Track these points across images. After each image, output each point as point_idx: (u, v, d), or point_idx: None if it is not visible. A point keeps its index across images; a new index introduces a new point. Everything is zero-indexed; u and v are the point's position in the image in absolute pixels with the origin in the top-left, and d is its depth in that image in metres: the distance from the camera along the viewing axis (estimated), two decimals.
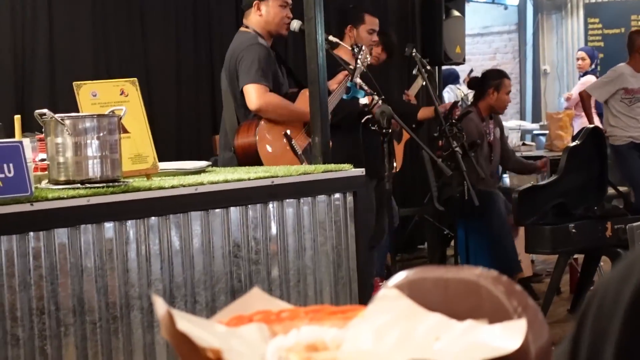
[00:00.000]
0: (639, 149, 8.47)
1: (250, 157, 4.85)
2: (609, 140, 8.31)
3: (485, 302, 1.35)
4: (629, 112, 8.41)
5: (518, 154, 8.96)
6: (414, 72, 6.36)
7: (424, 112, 6.65)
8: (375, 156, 5.30)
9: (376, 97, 5.32)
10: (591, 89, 8.63)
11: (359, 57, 5.41)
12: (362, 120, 5.47)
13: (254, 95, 4.92)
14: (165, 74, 6.71)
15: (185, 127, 6.80)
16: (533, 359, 1.26)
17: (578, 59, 11.41)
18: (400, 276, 1.51)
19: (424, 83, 6.36)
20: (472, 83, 7.54)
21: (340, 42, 5.47)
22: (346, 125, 5.66)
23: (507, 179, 9.54)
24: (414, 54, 6.31)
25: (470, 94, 7.64)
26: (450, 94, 10.81)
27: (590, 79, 10.64)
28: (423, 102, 8.45)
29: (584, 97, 8.63)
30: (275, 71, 5.10)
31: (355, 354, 1.22)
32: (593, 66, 10.92)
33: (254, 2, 5.17)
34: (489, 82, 7.18)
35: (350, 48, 5.48)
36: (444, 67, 9.45)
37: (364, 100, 5.41)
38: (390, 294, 1.40)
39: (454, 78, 11.26)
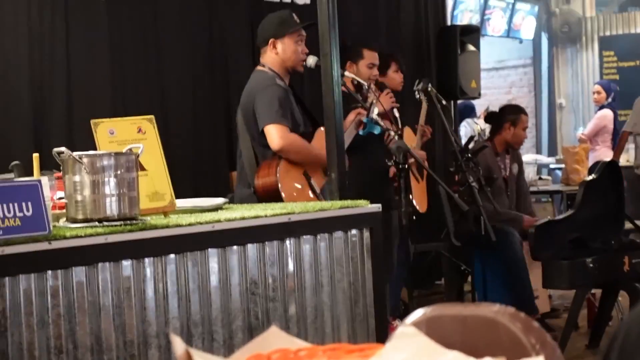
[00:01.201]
0: None
1: (271, 196, 4.86)
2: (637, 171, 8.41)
3: (503, 338, 1.35)
4: None
5: (534, 188, 8.96)
6: (416, 96, 6.43)
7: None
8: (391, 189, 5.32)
9: (392, 133, 5.34)
10: (630, 126, 8.64)
11: (369, 94, 5.46)
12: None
13: (276, 135, 4.93)
14: (182, 110, 6.74)
15: (202, 163, 6.82)
16: None
17: (594, 92, 11.41)
18: (418, 313, 1.52)
19: (427, 105, 6.45)
20: (489, 117, 7.55)
21: (355, 77, 5.50)
22: (367, 157, 5.73)
23: None
24: (429, 89, 6.34)
25: (487, 128, 7.65)
26: (467, 128, 10.81)
27: (606, 112, 10.66)
28: (439, 135, 8.46)
29: (623, 136, 8.65)
30: (293, 111, 5.12)
31: None
32: (609, 99, 10.91)
33: (270, 40, 5.20)
34: (506, 117, 7.18)
35: (364, 84, 5.51)
36: (459, 101, 9.50)
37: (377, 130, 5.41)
38: (408, 332, 1.40)
39: (469, 111, 11.26)
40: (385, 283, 5.76)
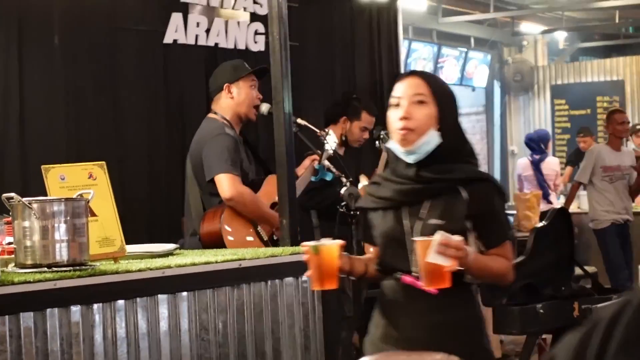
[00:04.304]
0: (620, 230, 8.65)
1: (216, 244, 4.86)
2: (591, 224, 8.58)
3: None
4: (610, 189, 8.64)
5: None
6: (376, 144, 6.46)
7: None
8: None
9: (344, 179, 5.37)
10: (581, 178, 8.85)
11: (327, 141, 5.49)
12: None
13: (227, 184, 4.94)
14: (136, 156, 6.73)
15: (156, 209, 6.81)
16: None
17: None
18: None
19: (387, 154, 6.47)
20: None
21: (308, 125, 5.53)
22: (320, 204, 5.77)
23: None
24: (381, 135, 6.40)
25: None
26: None
27: (519, 161, 11.12)
28: None
29: (574, 186, 8.92)
30: (242, 160, 5.13)
31: None
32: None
33: (224, 86, 5.23)
34: None
35: (318, 132, 5.54)
36: None
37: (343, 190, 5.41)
38: None
39: None
40: (339, 329, 5.78)
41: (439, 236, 2.82)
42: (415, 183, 3.06)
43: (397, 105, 3.08)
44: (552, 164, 10.54)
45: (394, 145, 3.10)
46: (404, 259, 3.05)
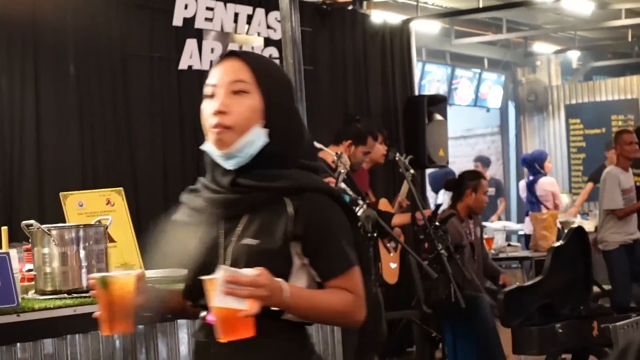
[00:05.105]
0: (629, 250, 8.50)
1: None
2: (600, 245, 8.35)
3: None
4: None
5: (503, 255, 9.01)
6: (400, 170, 6.49)
7: (400, 219, 6.72)
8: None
9: (360, 202, 5.38)
10: (616, 204, 8.47)
11: (340, 163, 5.51)
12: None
13: None
14: (153, 181, 6.77)
15: None
16: None
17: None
18: None
19: (409, 185, 6.49)
20: (450, 185, 7.59)
21: (323, 148, 5.54)
22: None
23: None
24: (397, 158, 6.40)
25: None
26: (445, 196, 10.88)
27: (522, 183, 11.13)
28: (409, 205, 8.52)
29: (619, 214, 8.45)
30: None
31: None
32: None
33: None
34: (467, 183, 7.22)
35: (333, 154, 5.56)
36: (434, 170, 9.68)
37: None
38: None
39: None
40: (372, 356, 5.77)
41: (224, 272, 2.10)
42: (230, 192, 2.34)
43: (212, 95, 2.37)
44: (545, 185, 10.34)
45: (209, 147, 2.36)
46: None
